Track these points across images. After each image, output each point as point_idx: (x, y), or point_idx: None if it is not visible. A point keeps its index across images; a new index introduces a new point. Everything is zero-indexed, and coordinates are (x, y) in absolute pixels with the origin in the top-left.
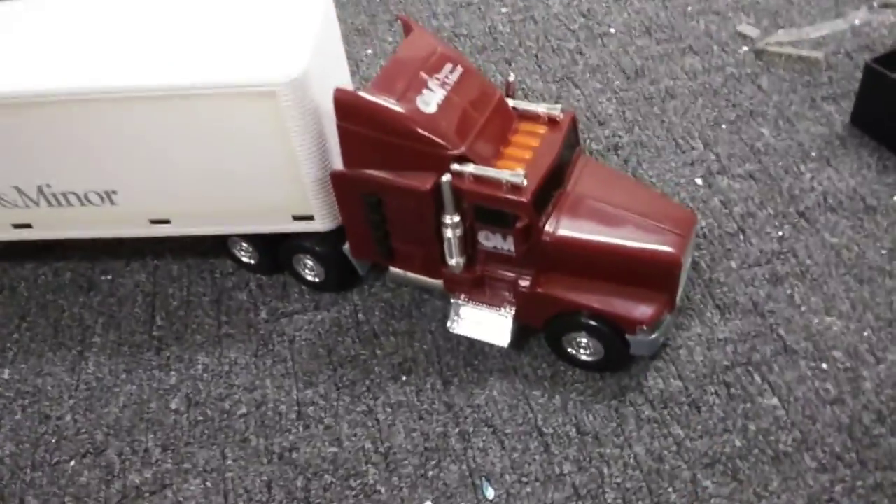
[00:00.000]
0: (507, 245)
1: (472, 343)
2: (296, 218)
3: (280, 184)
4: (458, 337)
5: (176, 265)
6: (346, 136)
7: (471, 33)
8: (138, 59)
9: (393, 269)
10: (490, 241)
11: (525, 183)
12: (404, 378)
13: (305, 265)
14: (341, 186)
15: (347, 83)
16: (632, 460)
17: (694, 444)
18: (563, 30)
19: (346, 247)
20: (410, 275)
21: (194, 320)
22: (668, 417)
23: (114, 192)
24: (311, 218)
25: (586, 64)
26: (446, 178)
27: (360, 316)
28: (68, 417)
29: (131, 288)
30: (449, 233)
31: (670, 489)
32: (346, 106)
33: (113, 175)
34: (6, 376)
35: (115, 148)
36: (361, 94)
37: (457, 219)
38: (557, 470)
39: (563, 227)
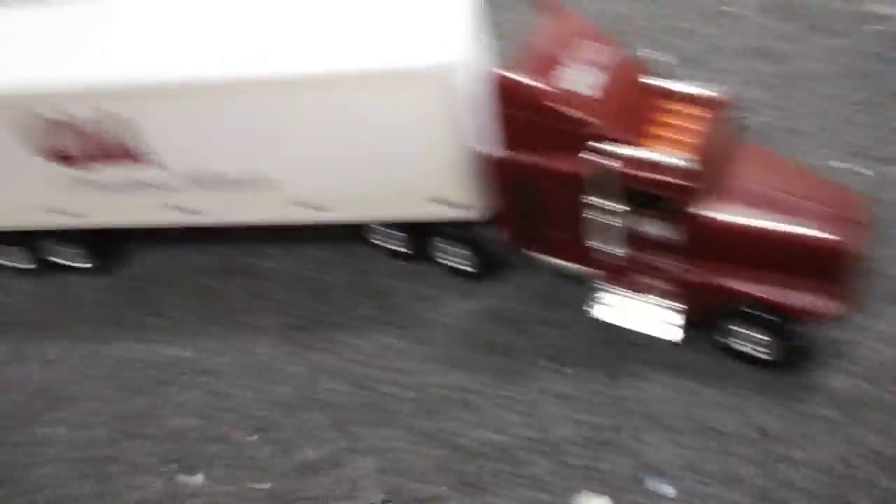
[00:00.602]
0: (666, 231)
1: (633, 335)
2: (445, 204)
3: (431, 169)
4: (619, 329)
5: (324, 251)
6: (500, 119)
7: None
8: (297, 46)
9: (544, 257)
10: (649, 227)
11: (692, 166)
12: (567, 370)
13: (452, 252)
14: (496, 172)
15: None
16: (819, 465)
17: (890, 451)
18: (692, 12)
19: (496, 234)
20: (562, 262)
21: (347, 304)
22: (856, 421)
23: (275, 179)
24: (460, 205)
25: (718, 46)
26: (607, 161)
27: (510, 304)
28: (244, 394)
29: (286, 272)
30: (601, 217)
31: (864, 498)
32: (507, 89)
33: (274, 161)
34: (185, 354)
35: (276, 134)
36: (514, 76)
37: (615, 204)
38: (739, 471)
39: (728, 213)
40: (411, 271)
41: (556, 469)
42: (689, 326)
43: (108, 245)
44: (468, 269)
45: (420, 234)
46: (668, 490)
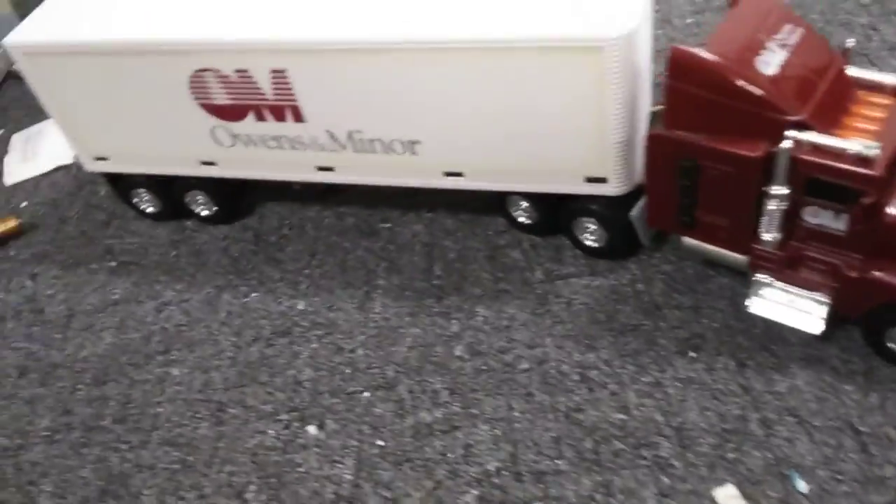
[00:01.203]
0: (837, 223)
1: (767, 326)
2: (589, 180)
3: (581, 143)
4: (752, 318)
5: (450, 219)
6: (675, 96)
7: None
8: (459, 13)
9: (688, 240)
10: (817, 217)
11: (878, 155)
12: (693, 354)
13: (587, 229)
14: (657, 149)
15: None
16: None
17: None
18: (851, 3)
19: (635, 213)
20: (709, 247)
21: (471, 273)
22: None
23: (417, 143)
24: (604, 181)
25: (883, 40)
26: (786, 144)
27: (640, 286)
28: (360, 351)
29: (409, 237)
30: (773, 205)
31: None
32: (684, 64)
33: (419, 126)
34: (301, 307)
35: (426, 99)
36: (699, 52)
37: (786, 190)
38: (878, 472)
39: None
40: (545, 246)
41: (680, 453)
42: (835, 322)
43: (232, 196)
44: (607, 248)
45: (562, 209)
46: (801, 484)
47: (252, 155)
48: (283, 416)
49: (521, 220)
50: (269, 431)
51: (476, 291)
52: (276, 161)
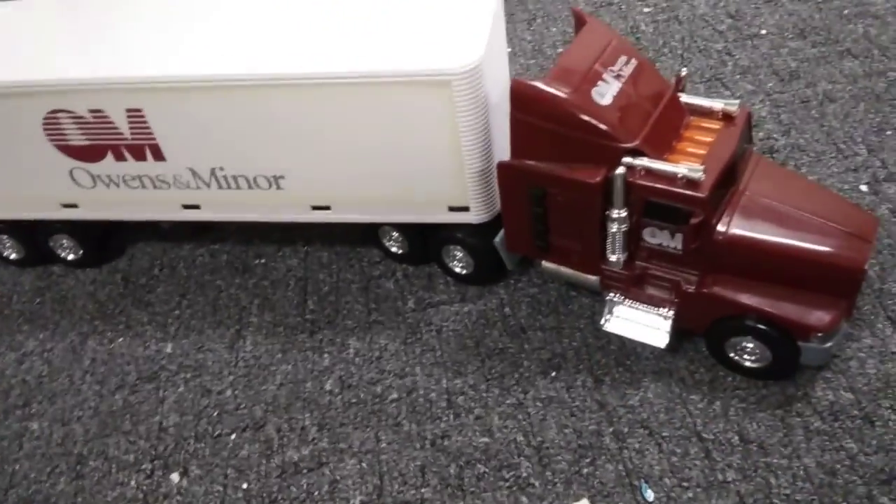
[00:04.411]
0: (673, 242)
1: (623, 343)
2: (452, 209)
3: (440, 174)
4: (609, 335)
5: (325, 252)
6: (518, 127)
7: None
8: (313, 48)
9: (546, 264)
10: (656, 237)
11: (703, 178)
12: (554, 374)
13: (455, 256)
14: (507, 178)
15: (507, 78)
16: (801, 472)
17: (869, 459)
18: (709, 30)
19: (498, 239)
20: (565, 270)
21: (344, 306)
22: (839, 430)
23: (281, 178)
24: (466, 209)
25: (736, 65)
26: (620, 170)
27: (507, 310)
28: (228, 392)
29: (284, 272)
30: (614, 227)
31: None
32: (523, 96)
33: (282, 160)
34: (169, 350)
35: (287, 134)
36: (538, 84)
37: (624, 213)
38: (720, 477)
39: (737, 227)
40: (419, 275)
41: (539, 472)
42: (683, 336)
43: (99, 238)
44: (475, 274)
45: (431, 238)
46: (649, 494)
47: (114, 195)
48: (146, 465)
49: (393, 249)
50: (131, 482)
51: (349, 324)
52: (140, 201)
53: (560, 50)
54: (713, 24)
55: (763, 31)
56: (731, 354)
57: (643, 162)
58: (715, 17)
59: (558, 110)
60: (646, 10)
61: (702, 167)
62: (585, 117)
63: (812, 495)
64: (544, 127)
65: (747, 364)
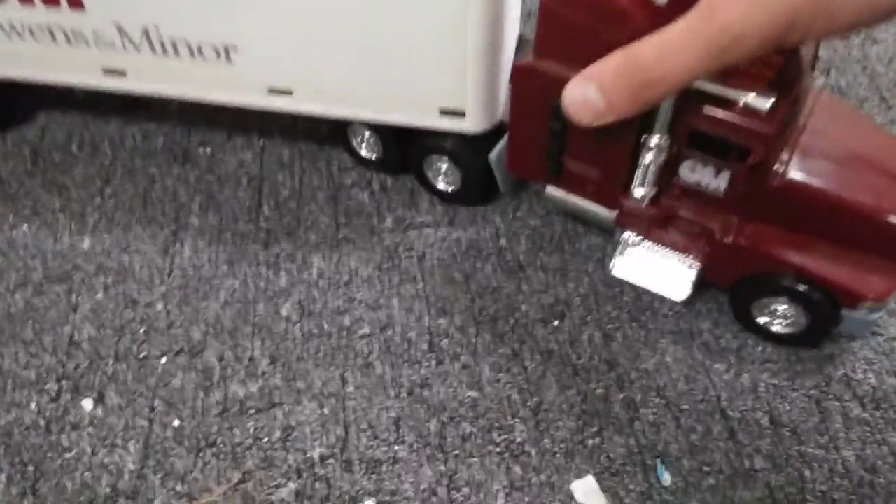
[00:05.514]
0: (716, 182)
1: (637, 294)
2: (444, 112)
3: (436, 67)
4: (622, 284)
5: (287, 149)
6: (549, 19)
7: None
8: None
9: (552, 190)
10: (695, 174)
11: (771, 109)
12: (556, 323)
13: (439, 170)
14: (523, 82)
15: None
16: (839, 467)
17: None
18: None
19: (494, 155)
20: (574, 199)
21: (308, 216)
22: (881, 421)
23: (233, 48)
24: (461, 114)
25: None
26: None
27: (503, 241)
28: (159, 306)
29: (234, 167)
30: (649, 157)
31: None
32: None
33: (236, 26)
34: (86, 246)
35: None
36: None
37: (665, 141)
38: (747, 464)
39: (795, 171)
40: (399, 188)
41: (537, 438)
42: (707, 294)
43: (7, 102)
44: (460, 192)
45: (412, 145)
46: (666, 477)
47: (18, 49)
48: (51, 385)
49: (363, 153)
50: (31, 405)
51: (312, 238)
52: (51, 58)
53: None
54: None
55: None
56: (760, 318)
57: (700, 82)
58: None
59: (606, 7)
60: None
61: (771, 95)
62: (639, 15)
63: (851, 494)
64: (584, 23)
65: (774, 328)
